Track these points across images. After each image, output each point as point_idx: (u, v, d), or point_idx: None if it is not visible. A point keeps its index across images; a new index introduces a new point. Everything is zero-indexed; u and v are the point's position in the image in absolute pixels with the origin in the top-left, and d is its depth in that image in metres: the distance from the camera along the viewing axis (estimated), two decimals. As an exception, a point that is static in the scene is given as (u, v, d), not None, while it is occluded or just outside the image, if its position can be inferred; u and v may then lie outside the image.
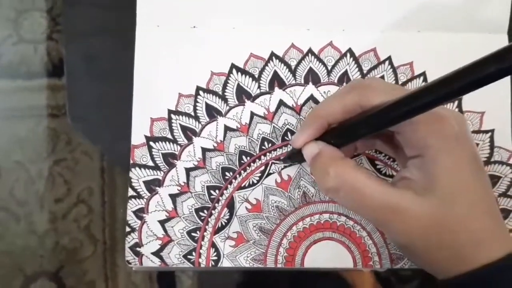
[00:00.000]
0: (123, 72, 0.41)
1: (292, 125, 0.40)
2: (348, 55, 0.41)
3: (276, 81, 0.41)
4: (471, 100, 0.41)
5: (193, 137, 0.40)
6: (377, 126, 0.29)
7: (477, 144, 0.41)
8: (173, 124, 0.40)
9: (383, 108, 0.28)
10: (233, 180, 0.40)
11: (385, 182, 0.30)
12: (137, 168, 0.39)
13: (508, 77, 0.41)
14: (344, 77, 0.41)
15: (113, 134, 0.41)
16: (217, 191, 0.40)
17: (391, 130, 0.31)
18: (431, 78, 0.41)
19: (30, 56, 1.14)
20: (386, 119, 0.28)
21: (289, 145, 0.40)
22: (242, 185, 0.40)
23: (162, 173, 0.40)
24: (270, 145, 0.40)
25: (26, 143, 1.14)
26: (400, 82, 0.41)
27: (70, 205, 1.14)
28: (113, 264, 1.13)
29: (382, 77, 0.41)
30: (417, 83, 0.41)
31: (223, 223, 0.39)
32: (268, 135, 0.40)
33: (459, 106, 0.41)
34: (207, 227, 0.39)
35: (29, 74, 1.13)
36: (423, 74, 0.41)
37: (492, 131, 0.41)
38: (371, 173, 0.31)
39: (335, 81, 0.41)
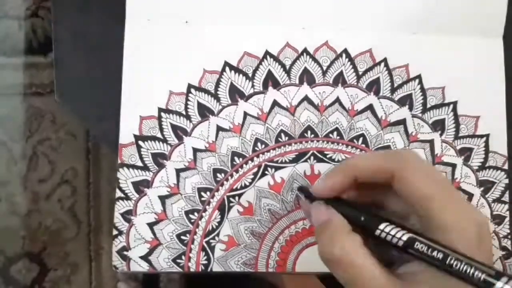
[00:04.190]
0: (112, 49, 0.40)
1: (286, 126, 0.39)
2: (344, 55, 0.40)
3: (270, 81, 0.40)
4: (467, 104, 0.41)
5: (184, 136, 0.39)
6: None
7: (472, 149, 0.40)
8: (163, 123, 0.39)
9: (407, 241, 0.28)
10: (225, 182, 0.39)
11: (388, 271, 0.30)
12: (125, 168, 0.38)
13: (503, 82, 0.41)
14: (340, 78, 0.40)
15: (100, 111, 0.40)
16: (208, 193, 0.39)
17: None
18: (426, 81, 0.41)
19: (14, 33, 1.10)
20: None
21: (282, 146, 0.39)
22: (234, 187, 0.39)
23: (151, 173, 0.39)
24: (263, 146, 0.39)
25: (9, 121, 1.12)
26: (395, 85, 0.40)
27: (54, 185, 1.12)
28: (97, 245, 1.12)
29: (378, 78, 0.40)
30: (412, 86, 0.40)
31: (214, 226, 0.39)
32: (262, 136, 0.39)
33: (454, 110, 0.41)
34: (197, 230, 0.39)
35: (14, 51, 1.10)
36: (419, 76, 0.41)
37: (487, 136, 0.41)
38: (373, 257, 0.30)
39: (330, 81, 0.40)
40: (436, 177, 0.30)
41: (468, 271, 0.26)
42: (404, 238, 0.28)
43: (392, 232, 0.29)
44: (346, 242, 0.30)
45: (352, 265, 0.30)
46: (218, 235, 0.39)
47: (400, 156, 0.30)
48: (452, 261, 0.26)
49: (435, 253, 0.27)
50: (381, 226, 0.29)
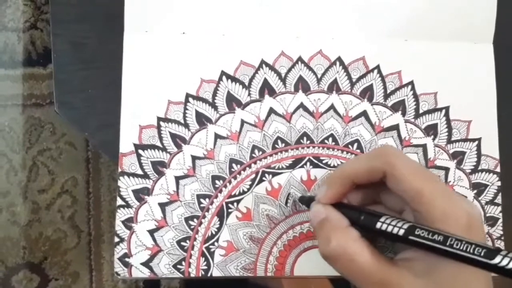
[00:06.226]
0: (110, 60, 0.41)
1: (283, 133, 0.40)
2: (338, 63, 0.41)
3: (266, 89, 0.41)
4: (459, 109, 0.41)
5: (183, 145, 0.40)
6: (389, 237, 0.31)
7: (464, 153, 0.41)
8: (162, 132, 0.40)
9: (405, 232, 0.29)
10: (223, 189, 0.40)
11: (386, 259, 0.31)
12: (125, 177, 0.39)
13: (494, 87, 0.42)
14: (334, 86, 0.41)
15: (99, 120, 0.41)
16: (207, 199, 0.40)
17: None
18: (418, 86, 0.41)
19: (13, 45, 1.11)
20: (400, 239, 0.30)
21: (279, 153, 0.40)
22: (233, 193, 0.40)
23: (151, 181, 0.39)
24: (260, 153, 0.40)
25: (9, 132, 1.12)
26: (388, 91, 0.41)
27: (54, 195, 1.13)
28: (97, 255, 1.13)
29: (371, 85, 0.41)
30: (405, 92, 0.41)
31: (213, 232, 0.39)
32: (259, 143, 0.40)
33: (447, 115, 0.41)
34: (197, 236, 0.39)
35: (13, 63, 1.11)
36: (411, 83, 0.41)
37: (479, 139, 0.42)
38: (372, 247, 0.31)
39: (325, 89, 0.41)
40: (424, 173, 0.31)
41: (468, 249, 0.27)
42: (405, 226, 0.29)
43: (393, 223, 0.30)
44: (343, 237, 0.31)
45: (351, 258, 0.30)
46: (217, 240, 0.39)
47: (388, 154, 0.31)
48: (452, 242, 0.27)
49: (435, 237, 0.28)
50: (382, 219, 0.31)
